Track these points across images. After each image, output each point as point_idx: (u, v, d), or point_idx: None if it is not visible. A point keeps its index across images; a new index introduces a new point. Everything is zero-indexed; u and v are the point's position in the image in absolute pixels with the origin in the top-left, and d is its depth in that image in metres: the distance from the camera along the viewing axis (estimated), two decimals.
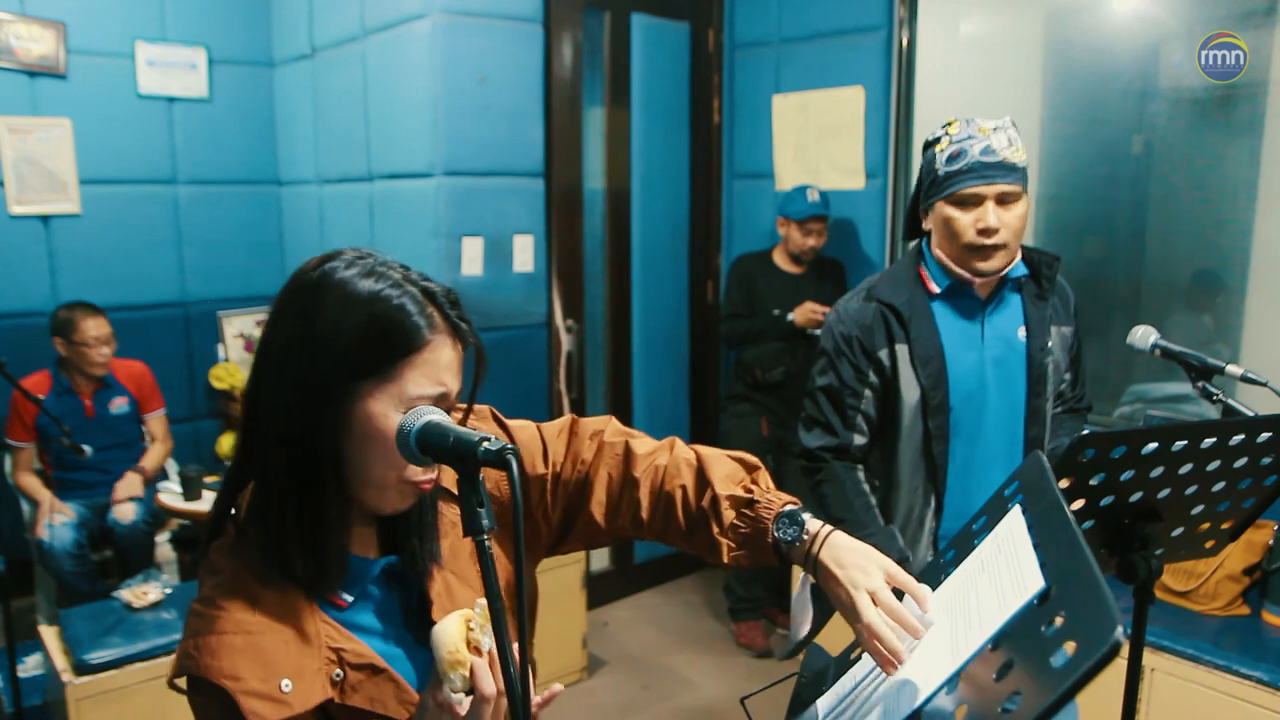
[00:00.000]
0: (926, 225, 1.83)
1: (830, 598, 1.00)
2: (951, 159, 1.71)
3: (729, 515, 1.07)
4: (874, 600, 0.95)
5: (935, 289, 1.82)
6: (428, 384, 0.94)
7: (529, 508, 1.13)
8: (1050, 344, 1.85)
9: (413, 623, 1.03)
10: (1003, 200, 1.71)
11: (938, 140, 1.76)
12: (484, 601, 0.93)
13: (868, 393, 1.84)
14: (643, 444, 1.15)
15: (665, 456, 1.13)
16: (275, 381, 0.95)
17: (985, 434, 1.84)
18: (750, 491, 1.08)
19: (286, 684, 0.90)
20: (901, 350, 1.81)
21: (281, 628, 0.93)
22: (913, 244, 1.95)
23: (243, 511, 0.99)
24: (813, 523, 1.03)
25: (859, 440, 1.87)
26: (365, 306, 0.93)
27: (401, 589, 1.04)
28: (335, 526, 0.96)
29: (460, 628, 0.93)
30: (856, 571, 0.98)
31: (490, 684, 0.91)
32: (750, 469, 1.13)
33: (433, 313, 0.96)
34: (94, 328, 3.41)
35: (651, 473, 1.12)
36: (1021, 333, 1.84)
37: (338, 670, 0.94)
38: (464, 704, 0.92)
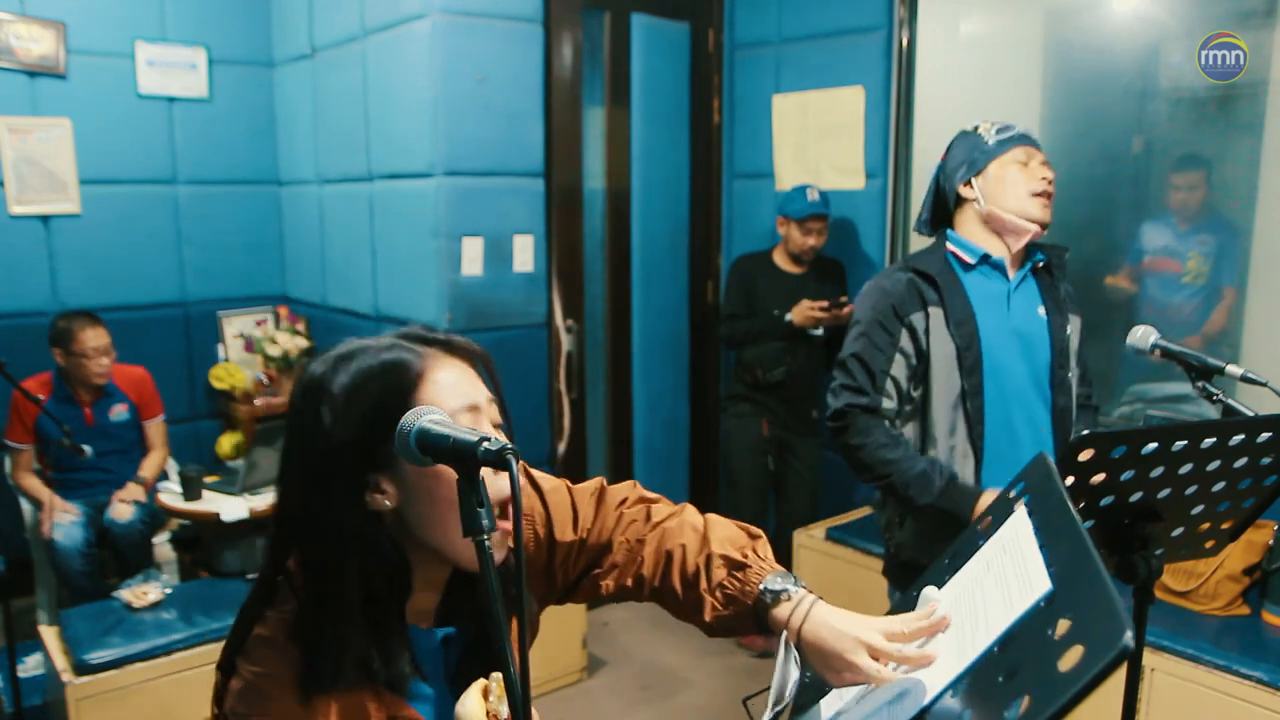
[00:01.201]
0: (970, 197, 1.97)
1: (815, 663, 1.00)
2: (1002, 129, 1.95)
3: (719, 574, 1.08)
4: (872, 654, 0.95)
5: (969, 260, 1.97)
6: (449, 401, 0.94)
7: (550, 566, 1.14)
8: (1069, 327, 2.00)
9: (458, 680, 1.02)
10: (1044, 165, 1.95)
11: (976, 127, 1.98)
12: (499, 675, 0.93)
13: (899, 358, 1.94)
14: (659, 510, 1.18)
15: (675, 521, 1.16)
16: (302, 493, 0.94)
17: (1017, 396, 1.95)
18: (745, 557, 1.08)
19: None
20: (935, 313, 1.93)
21: (344, 696, 0.91)
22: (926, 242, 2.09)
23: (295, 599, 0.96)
24: (800, 590, 1.03)
25: (888, 404, 1.95)
26: (352, 386, 0.93)
27: (452, 650, 1.03)
28: (402, 620, 0.96)
29: (480, 702, 0.93)
30: (846, 639, 0.96)
31: None
32: (752, 536, 1.13)
33: (415, 346, 0.97)
34: (93, 339, 3.39)
35: (659, 535, 1.14)
36: (1041, 311, 1.98)
37: None
38: None
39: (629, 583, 1.15)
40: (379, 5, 3.51)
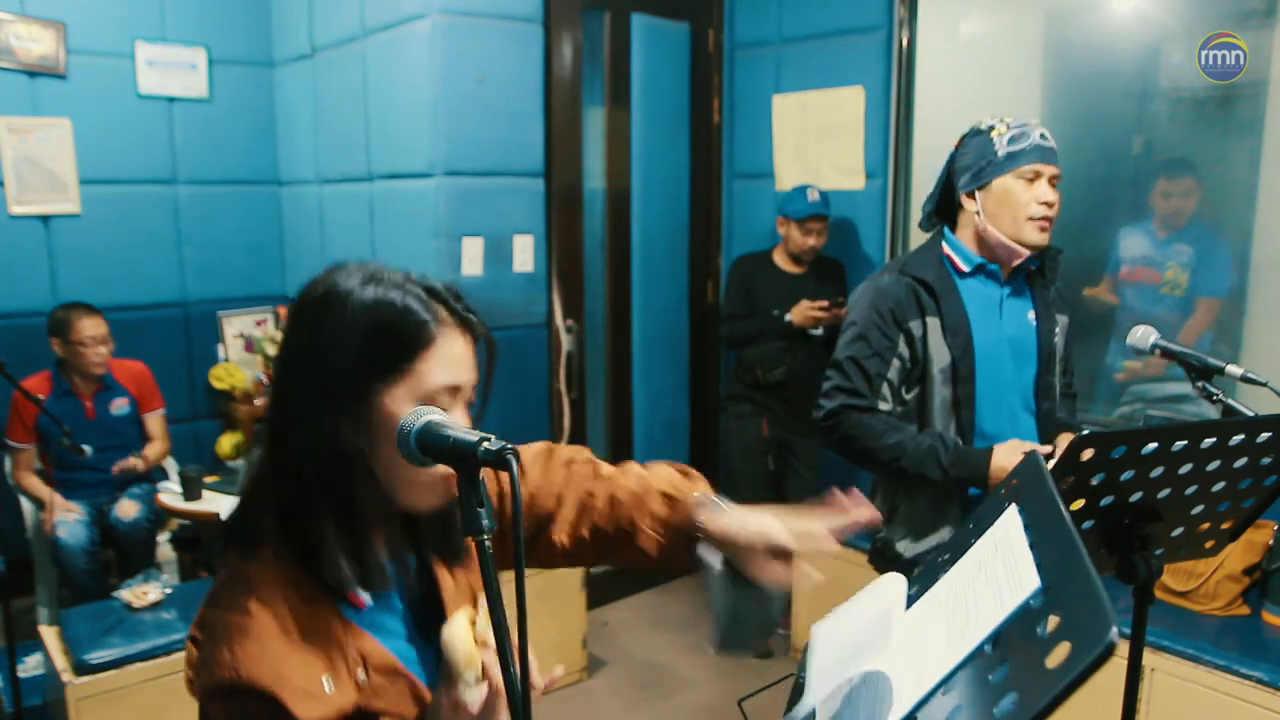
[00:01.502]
0: (972, 206, 1.94)
1: (743, 563, 1.13)
2: (1015, 139, 1.88)
3: (660, 508, 1.18)
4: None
5: (964, 267, 1.96)
6: (443, 376, 0.96)
7: (503, 529, 1.15)
8: (1056, 330, 2.01)
9: (420, 621, 1.04)
10: (1051, 182, 1.90)
11: (992, 128, 1.91)
12: (482, 602, 0.94)
13: (896, 362, 1.94)
14: (606, 467, 1.26)
15: (620, 470, 1.25)
16: (297, 395, 0.97)
17: (1005, 404, 1.96)
18: (681, 491, 1.19)
19: (328, 683, 0.91)
20: (933, 323, 1.93)
21: (314, 629, 0.94)
22: (926, 239, 2.08)
23: (260, 520, 1.00)
24: (724, 503, 1.16)
25: (883, 406, 1.95)
26: (372, 312, 0.96)
27: (409, 588, 1.05)
28: (371, 528, 0.99)
29: (468, 627, 0.95)
30: (751, 522, 1.12)
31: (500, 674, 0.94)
32: (688, 475, 1.23)
33: (438, 308, 0.99)
34: (90, 327, 3.41)
35: (608, 484, 1.22)
36: (1031, 316, 1.99)
37: (361, 673, 0.95)
38: (476, 702, 0.94)
39: (585, 533, 1.21)
40: (379, 5, 3.51)
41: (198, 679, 0.93)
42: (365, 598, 1.00)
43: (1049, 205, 1.88)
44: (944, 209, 2.03)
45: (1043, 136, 1.89)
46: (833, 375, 2.00)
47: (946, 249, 1.98)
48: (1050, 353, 1.98)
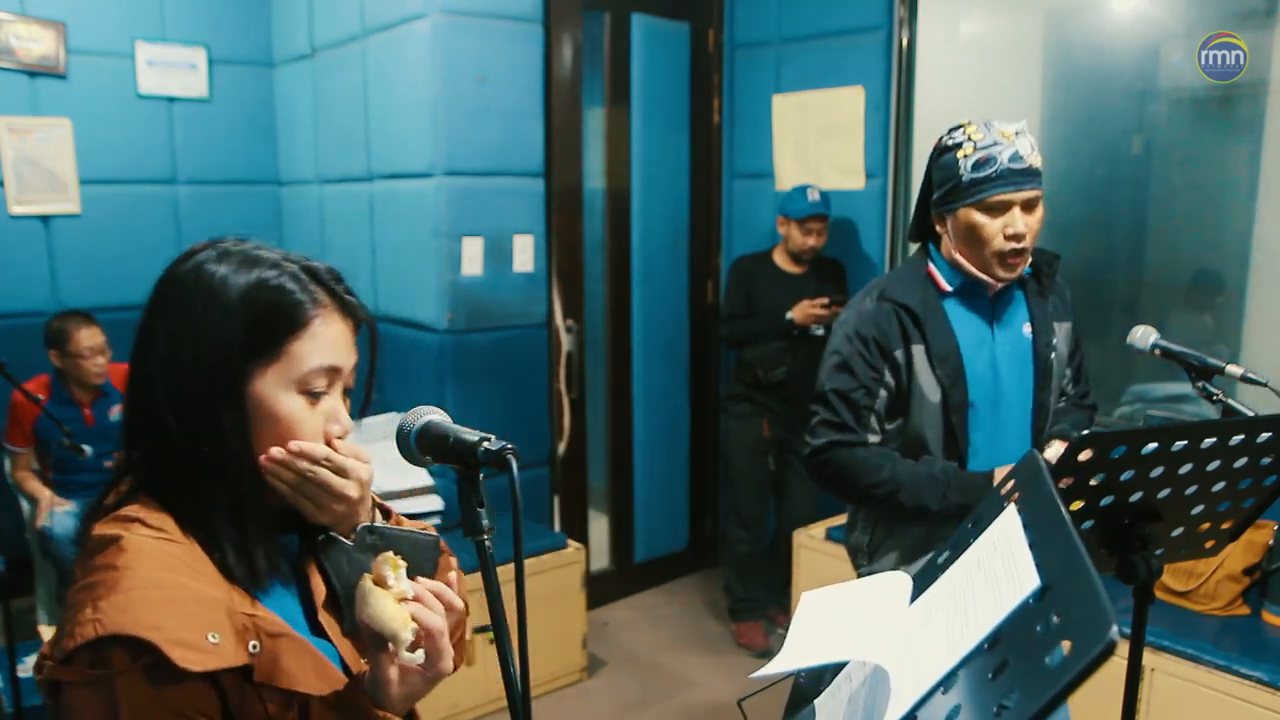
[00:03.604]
0: (942, 229, 1.82)
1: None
2: (979, 165, 1.70)
3: None
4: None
5: (947, 287, 1.84)
6: (319, 358, 0.93)
7: None
8: (1055, 340, 1.88)
9: (308, 609, 0.99)
10: (1027, 206, 1.72)
11: (959, 145, 1.74)
12: (387, 554, 0.92)
13: (883, 393, 1.83)
14: None
15: None
16: (162, 374, 0.92)
17: (1002, 427, 1.86)
18: None
19: (214, 636, 0.83)
20: (918, 350, 1.81)
21: (195, 586, 0.85)
22: (915, 246, 1.96)
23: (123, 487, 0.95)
24: None
25: (873, 439, 1.85)
26: (244, 291, 0.92)
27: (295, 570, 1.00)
28: (256, 522, 0.93)
29: (384, 596, 0.90)
30: None
31: (436, 615, 0.89)
32: None
33: (315, 289, 0.95)
34: (88, 338, 3.38)
35: None
36: (1027, 329, 1.87)
37: (254, 641, 0.87)
38: (421, 657, 0.89)
39: None
40: (379, 5, 3.51)
41: (51, 658, 0.83)
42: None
43: (1018, 239, 1.70)
44: (928, 223, 1.88)
45: (1015, 157, 1.68)
46: (819, 410, 1.89)
47: (931, 267, 1.86)
48: (1046, 369, 1.86)
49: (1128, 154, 3.20)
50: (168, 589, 0.83)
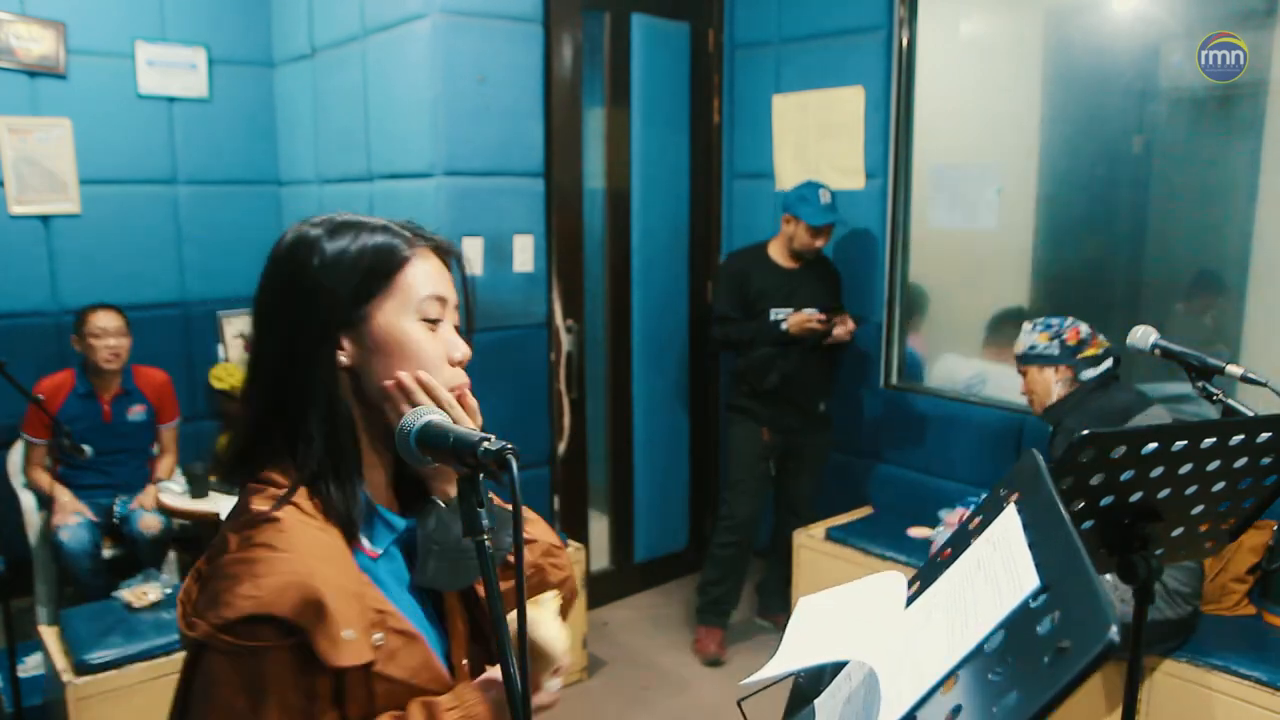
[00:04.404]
0: None
1: None
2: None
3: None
4: None
5: None
6: (427, 286, 1.01)
7: None
8: None
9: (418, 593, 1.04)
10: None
11: None
12: (551, 594, 1.04)
13: None
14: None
15: None
16: (290, 334, 0.99)
17: None
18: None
19: (349, 633, 0.90)
20: None
21: (340, 580, 0.92)
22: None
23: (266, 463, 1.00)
24: None
25: None
26: (348, 242, 1.01)
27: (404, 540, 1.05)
28: (371, 472, 1.01)
29: (559, 620, 1.02)
30: None
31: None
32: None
33: (405, 232, 1.04)
34: (102, 319, 3.42)
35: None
36: None
37: (378, 634, 0.93)
38: (556, 688, 1.01)
39: None
40: (379, 5, 3.51)
41: (201, 618, 0.89)
42: (376, 548, 1.00)
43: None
44: None
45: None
46: None
47: None
48: None
49: (1128, 154, 3.20)
50: (320, 580, 0.90)
